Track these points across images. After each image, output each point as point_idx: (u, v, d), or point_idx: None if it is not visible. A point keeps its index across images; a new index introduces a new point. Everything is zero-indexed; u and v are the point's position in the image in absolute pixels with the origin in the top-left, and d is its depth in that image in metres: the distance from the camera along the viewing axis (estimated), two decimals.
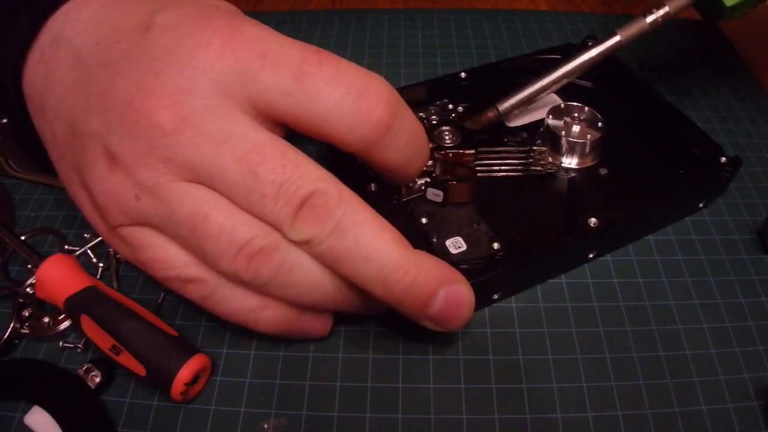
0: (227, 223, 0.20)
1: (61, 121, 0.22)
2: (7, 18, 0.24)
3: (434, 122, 0.32)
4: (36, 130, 0.25)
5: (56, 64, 0.22)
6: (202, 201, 0.20)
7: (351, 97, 0.21)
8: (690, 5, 0.30)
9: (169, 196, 0.20)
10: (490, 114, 0.32)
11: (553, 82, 0.32)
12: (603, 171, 0.32)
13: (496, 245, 0.27)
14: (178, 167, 0.20)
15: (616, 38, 0.30)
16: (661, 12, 0.30)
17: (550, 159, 0.31)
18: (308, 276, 0.22)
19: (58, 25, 0.23)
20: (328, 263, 0.22)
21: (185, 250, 0.22)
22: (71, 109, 0.22)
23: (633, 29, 0.30)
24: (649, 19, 0.30)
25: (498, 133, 0.33)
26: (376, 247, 0.21)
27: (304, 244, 0.21)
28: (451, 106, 0.34)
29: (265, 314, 0.23)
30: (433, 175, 0.30)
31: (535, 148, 0.31)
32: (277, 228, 0.21)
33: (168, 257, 0.22)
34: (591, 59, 0.31)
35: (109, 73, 0.21)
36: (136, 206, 0.21)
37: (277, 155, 0.20)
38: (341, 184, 0.21)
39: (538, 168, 0.31)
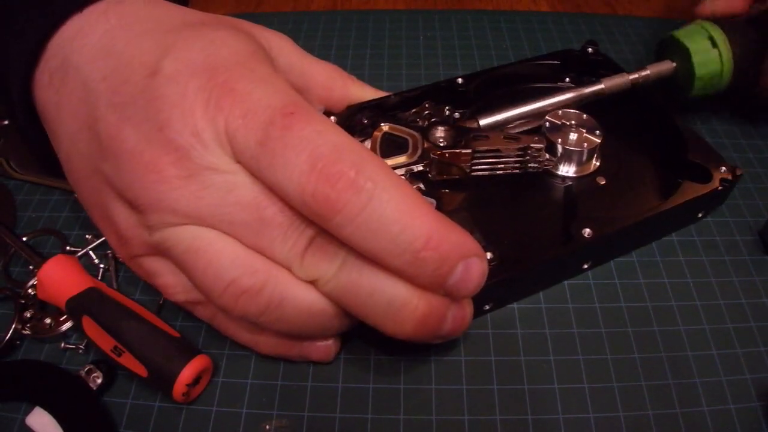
0: (214, 260, 0.21)
1: (79, 156, 0.23)
2: (13, 25, 0.24)
3: (433, 120, 0.32)
4: (40, 137, 0.26)
5: (66, 95, 0.23)
6: (198, 239, 0.21)
7: (300, 169, 0.19)
8: (667, 74, 0.35)
9: (171, 235, 0.21)
10: (470, 125, 0.32)
11: (535, 112, 0.33)
12: (601, 180, 0.32)
13: (488, 255, 0.26)
14: (185, 216, 0.21)
15: (601, 86, 0.34)
16: (643, 73, 0.35)
17: (548, 156, 0.31)
18: (298, 310, 0.22)
19: (65, 49, 0.23)
20: (337, 300, 0.22)
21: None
22: (87, 148, 0.23)
23: (616, 81, 0.34)
24: (632, 77, 0.35)
25: (495, 134, 0.32)
26: (382, 279, 0.21)
27: (313, 283, 0.21)
28: (447, 110, 0.34)
29: (262, 338, 0.25)
30: (429, 176, 0.30)
31: (533, 145, 0.30)
32: (286, 267, 0.21)
33: (174, 283, 0.24)
34: (572, 99, 0.34)
35: (116, 118, 0.21)
36: (150, 241, 0.22)
37: (280, 200, 0.21)
38: None
39: (535, 165, 0.31)
